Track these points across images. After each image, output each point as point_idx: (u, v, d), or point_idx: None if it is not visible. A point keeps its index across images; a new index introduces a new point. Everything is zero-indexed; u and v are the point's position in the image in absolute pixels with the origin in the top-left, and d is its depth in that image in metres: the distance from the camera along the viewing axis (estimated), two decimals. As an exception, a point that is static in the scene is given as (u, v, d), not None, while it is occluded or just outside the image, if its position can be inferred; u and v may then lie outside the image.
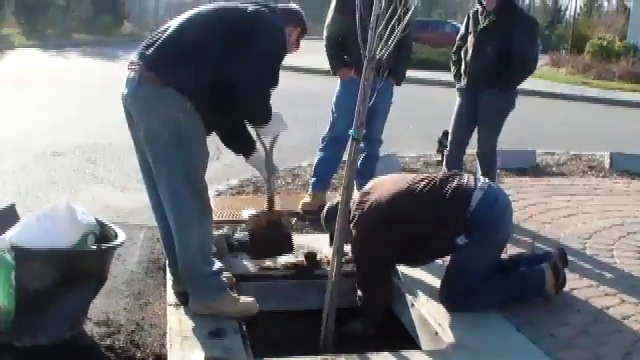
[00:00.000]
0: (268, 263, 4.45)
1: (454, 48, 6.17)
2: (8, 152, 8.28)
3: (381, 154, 6.54)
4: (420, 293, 4.16)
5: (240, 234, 4.81)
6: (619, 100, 18.80)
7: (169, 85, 3.44)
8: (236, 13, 3.67)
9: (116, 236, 3.69)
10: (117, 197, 6.66)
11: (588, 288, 4.48)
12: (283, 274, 4.40)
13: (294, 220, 5.80)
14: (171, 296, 3.95)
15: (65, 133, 9.68)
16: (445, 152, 6.35)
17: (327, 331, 3.64)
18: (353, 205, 4.05)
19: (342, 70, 5.91)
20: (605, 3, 60.84)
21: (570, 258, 4.52)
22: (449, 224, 3.94)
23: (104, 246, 3.58)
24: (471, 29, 5.88)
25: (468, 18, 6.00)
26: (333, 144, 6.05)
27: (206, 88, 3.51)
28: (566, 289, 4.31)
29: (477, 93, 5.83)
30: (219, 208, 5.84)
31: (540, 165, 8.60)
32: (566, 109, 16.80)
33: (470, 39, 5.87)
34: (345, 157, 4.13)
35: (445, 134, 6.99)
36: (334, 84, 6.14)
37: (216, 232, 4.63)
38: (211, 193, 6.08)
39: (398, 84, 6.09)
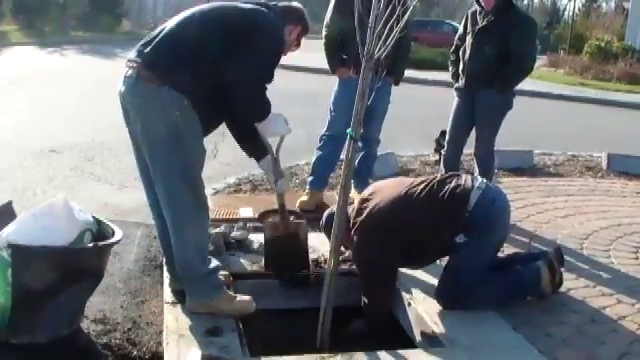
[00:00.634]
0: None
1: (452, 48, 6.17)
2: (5, 149, 8.27)
3: (379, 153, 6.55)
4: (417, 292, 4.17)
5: (237, 232, 4.81)
6: (617, 101, 18.83)
7: (166, 83, 3.44)
8: (233, 12, 3.67)
9: (113, 234, 3.68)
10: (114, 195, 6.66)
11: (585, 288, 4.48)
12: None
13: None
14: (168, 294, 3.94)
15: (62, 131, 9.68)
16: (442, 152, 6.34)
17: (324, 330, 3.64)
18: (352, 212, 4.06)
19: (341, 69, 5.92)
20: (603, 4, 60.93)
21: (567, 258, 4.53)
22: (448, 225, 3.95)
23: (101, 244, 3.57)
24: (469, 29, 5.88)
25: (466, 18, 6.00)
26: (331, 143, 6.05)
27: (203, 87, 3.52)
28: (563, 289, 4.32)
29: (475, 93, 5.83)
30: (216, 206, 5.84)
31: (538, 165, 8.61)
32: (564, 110, 16.82)
33: (468, 39, 5.87)
34: (343, 156, 4.13)
35: (443, 134, 6.99)
36: (332, 83, 6.15)
37: (213, 230, 4.63)
38: (208, 191, 6.09)
39: (396, 84, 6.10)
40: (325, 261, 4.31)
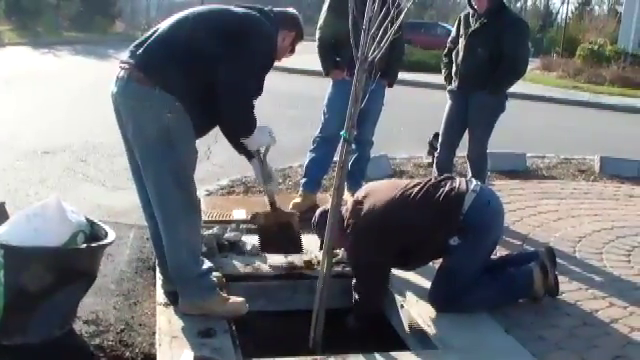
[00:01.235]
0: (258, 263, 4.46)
1: (445, 50, 6.18)
2: (-2, 150, 8.25)
3: (372, 155, 6.55)
4: (410, 294, 4.17)
5: (230, 234, 4.80)
6: (609, 104, 18.86)
7: (157, 85, 3.44)
8: (226, 15, 3.67)
9: (106, 235, 3.68)
10: (107, 196, 6.65)
11: (577, 291, 4.50)
12: (273, 274, 4.39)
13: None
14: (160, 295, 3.94)
15: (55, 132, 9.66)
16: (436, 154, 6.35)
17: (316, 331, 3.64)
18: (347, 212, 4.06)
19: (334, 71, 5.92)
20: (596, 7, 61.11)
21: (560, 261, 4.54)
22: (443, 227, 3.96)
23: (94, 245, 3.57)
24: (462, 32, 5.89)
25: (459, 21, 6.01)
26: (324, 145, 6.05)
27: (195, 89, 3.51)
28: (555, 292, 4.33)
29: (468, 95, 5.83)
30: (209, 208, 5.83)
31: (530, 168, 8.62)
32: (557, 113, 16.85)
33: (461, 42, 5.87)
34: (336, 158, 4.13)
35: (436, 136, 7.00)
36: (326, 85, 6.15)
37: (206, 232, 4.63)
38: (201, 193, 6.09)
39: (390, 86, 6.11)
40: (318, 263, 4.31)
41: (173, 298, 3.81)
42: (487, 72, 5.65)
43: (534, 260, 4.21)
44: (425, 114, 11.08)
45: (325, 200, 5.68)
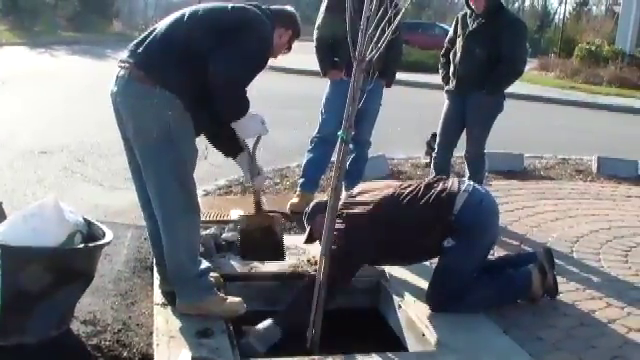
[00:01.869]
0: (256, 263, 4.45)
1: (443, 51, 6.19)
2: (-5, 150, 8.24)
3: (369, 156, 6.55)
4: (407, 295, 4.17)
5: (228, 234, 4.80)
6: (607, 105, 18.88)
7: (158, 83, 3.44)
8: (224, 12, 3.67)
9: (104, 235, 3.67)
10: (105, 196, 6.64)
11: (575, 291, 4.50)
12: (271, 275, 4.39)
13: (282, 221, 5.79)
14: (158, 296, 3.94)
15: (53, 131, 9.66)
16: (433, 154, 6.35)
17: (314, 332, 3.63)
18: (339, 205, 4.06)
19: (332, 72, 5.92)
20: (594, 8, 61.14)
21: (557, 262, 4.54)
22: (434, 228, 3.96)
23: (91, 245, 3.56)
24: (460, 32, 5.89)
25: (457, 21, 6.01)
26: (322, 145, 6.05)
27: (195, 87, 3.51)
28: (552, 292, 4.33)
29: (465, 96, 5.84)
30: (207, 208, 5.82)
31: (528, 168, 8.63)
32: (554, 113, 16.86)
33: (459, 42, 5.88)
34: (334, 158, 4.13)
35: (433, 136, 7.00)
36: (323, 85, 6.15)
37: (204, 232, 4.63)
38: (199, 193, 6.05)
39: (388, 86, 6.11)
40: (315, 262, 4.30)
41: (171, 298, 3.81)
42: (485, 72, 5.65)
43: (533, 261, 4.22)
44: (423, 114, 11.08)
45: (323, 200, 5.68)
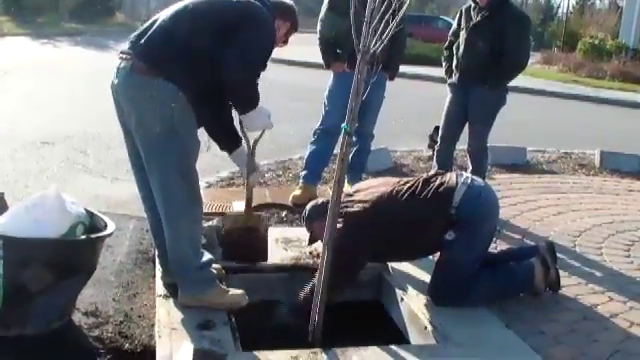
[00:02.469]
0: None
1: (446, 44, 6.17)
2: (-3, 141, 8.23)
3: (372, 148, 6.54)
4: (410, 288, 4.16)
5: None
6: (610, 99, 18.84)
7: (160, 76, 3.42)
8: (227, 5, 3.65)
9: (105, 226, 3.67)
10: (107, 187, 6.64)
11: (577, 286, 4.50)
12: (273, 267, 4.39)
13: (284, 213, 5.80)
14: (160, 287, 3.93)
15: (55, 123, 9.65)
16: (436, 147, 6.34)
17: (316, 325, 3.63)
18: None
19: (335, 64, 5.91)
20: (597, 2, 60.92)
21: (559, 256, 4.53)
22: (434, 222, 3.95)
23: (93, 236, 3.56)
24: (463, 25, 5.88)
25: (460, 14, 6.00)
26: (325, 137, 6.05)
27: (197, 78, 3.50)
28: (555, 286, 4.33)
29: (468, 89, 5.82)
30: (209, 200, 5.82)
31: (531, 162, 8.62)
32: (557, 107, 16.84)
33: (462, 35, 5.86)
34: (337, 151, 4.12)
35: (436, 129, 6.98)
36: (327, 77, 6.13)
37: (206, 224, 4.61)
38: (201, 185, 6.06)
39: (391, 78, 6.10)
40: (318, 255, 4.30)
41: (173, 290, 3.80)
42: (488, 66, 5.64)
43: (535, 255, 4.20)
44: (425, 107, 11.06)
45: (325, 192, 5.68)
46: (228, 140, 4.04)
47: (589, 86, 21.88)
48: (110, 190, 6.51)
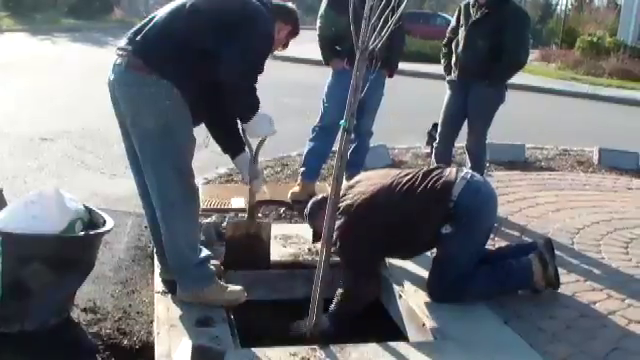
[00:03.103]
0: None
1: (445, 41, 6.16)
2: (-5, 137, 8.23)
3: (370, 145, 6.54)
4: (408, 284, 4.17)
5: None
6: (608, 96, 18.84)
7: (155, 72, 3.42)
8: (225, 4, 3.64)
9: (104, 223, 3.67)
10: (105, 184, 6.64)
11: (575, 283, 4.50)
12: (272, 263, 4.39)
13: (283, 209, 5.80)
14: (159, 284, 3.93)
15: (53, 119, 9.64)
16: (434, 144, 6.34)
17: (315, 321, 3.63)
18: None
19: (334, 61, 5.90)
20: (596, -1, 60.93)
21: (558, 253, 4.53)
22: (433, 216, 3.96)
23: (92, 233, 3.57)
24: (462, 22, 5.87)
25: (459, 11, 5.99)
26: (323, 134, 6.05)
27: (193, 76, 3.50)
28: (553, 283, 4.33)
29: (467, 86, 5.82)
30: (208, 196, 5.83)
31: (529, 159, 8.62)
32: (556, 104, 16.84)
33: (461, 32, 5.86)
34: (335, 147, 4.12)
35: (435, 126, 6.99)
36: (326, 74, 6.13)
37: (204, 220, 4.62)
38: (199, 181, 6.08)
39: (390, 76, 6.10)
40: (317, 252, 4.30)
41: (171, 286, 3.80)
42: (487, 63, 5.63)
43: (532, 251, 4.21)
44: (424, 104, 11.05)
45: (323, 189, 5.68)
46: (231, 143, 4.04)
47: (587, 84, 21.87)
48: (109, 186, 6.51)
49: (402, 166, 7.72)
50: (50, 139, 8.31)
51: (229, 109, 3.75)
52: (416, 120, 10.22)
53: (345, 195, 4.03)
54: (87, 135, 8.66)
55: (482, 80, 5.67)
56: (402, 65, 6.71)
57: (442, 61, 6.16)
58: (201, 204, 4.52)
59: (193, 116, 3.58)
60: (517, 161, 8.34)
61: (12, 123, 9.09)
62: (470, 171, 4.19)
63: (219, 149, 4.11)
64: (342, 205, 3.97)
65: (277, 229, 4.95)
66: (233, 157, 4.10)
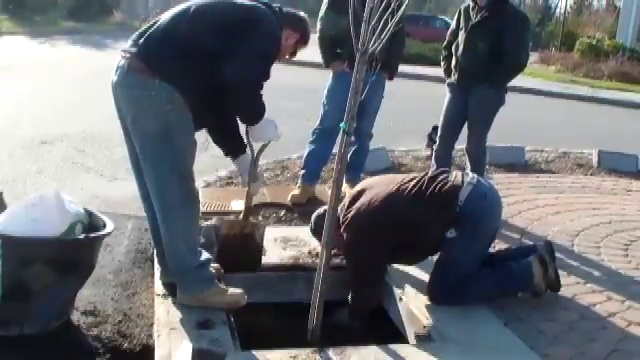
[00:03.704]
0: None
1: (445, 43, 6.16)
2: (-5, 140, 8.22)
3: (370, 148, 6.54)
4: (408, 287, 4.17)
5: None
6: (608, 99, 18.85)
7: (157, 76, 3.41)
8: (230, 7, 3.64)
9: (104, 226, 3.67)
10: (105, 187, 6.64)
11: (575, 285, 4.50)
12: (272, 266, 4.38)
13: (283, 212, 5.80)
14: (159, 287, 3.93)
15: (53, 121, 9.63)
16: (434, 147, 6.34)
17: (315, 324, 3.63)
18: (342, 209, 4.05)
19: (335, 63, 5.91)
20: (595, 2, 60.97)
21: (558, 255, 4.53)
22: (439, 221, 3.96)
23: (92, 235, 3.56)
24: (462, 25, 5.87)
25: (459, 13, 5.99)
26: (323, 137, 6.05)
27: (195, 80, 3.49)
28: (553, 285, 4.33)
29: (467, 89, 5.82)
30: (208, 199, 5.83)
31: (529, 162, 8.63)
32: (555, 106, 16.85)
33: (461, 35, 5.86)
34: (335, 150, 4.12)
35: (435, 129, 6.99)
36: (326, 77, 6.13)
37: (205, 223, 4.61)
38: (200, 184, 6.08)
39: (390, 78, 6.10)
40: (317, 255, 4.30)
41: (171, 289, 3.80)
42: (487, 65, 5.63)
43: (532, 254, 4.21)
44: (424, 107, 11.06)
45: (324, 192, 5.68)
46: (233, 145, 4.04)
47: (587, 86, 21.88)
48: (109, 189, 6.51)
49: (402, 168, 7.73)
50: (50, 142, 8.30)
51: (232, 112, 3.75)
52: (416, 122, 10.22)
53: (350, 206, 4.04)
54: (87, 138, 8.65)
55: (482, 82, 5.67)
56: (402, 67, 6.71)
57: (442, 64, 6.17)
58: (201, 207, 4.53)
59: (195, 120, 3.57)
60: (517, 163, 8.34)
61: (12, 126, 9.07)
62: (476, 176, 4.19)
63: (219, 152, 4.11)
64: (349, 216, 3.98)
65: (277, 232, 4.96)
66: (234, 158, 4.11)
